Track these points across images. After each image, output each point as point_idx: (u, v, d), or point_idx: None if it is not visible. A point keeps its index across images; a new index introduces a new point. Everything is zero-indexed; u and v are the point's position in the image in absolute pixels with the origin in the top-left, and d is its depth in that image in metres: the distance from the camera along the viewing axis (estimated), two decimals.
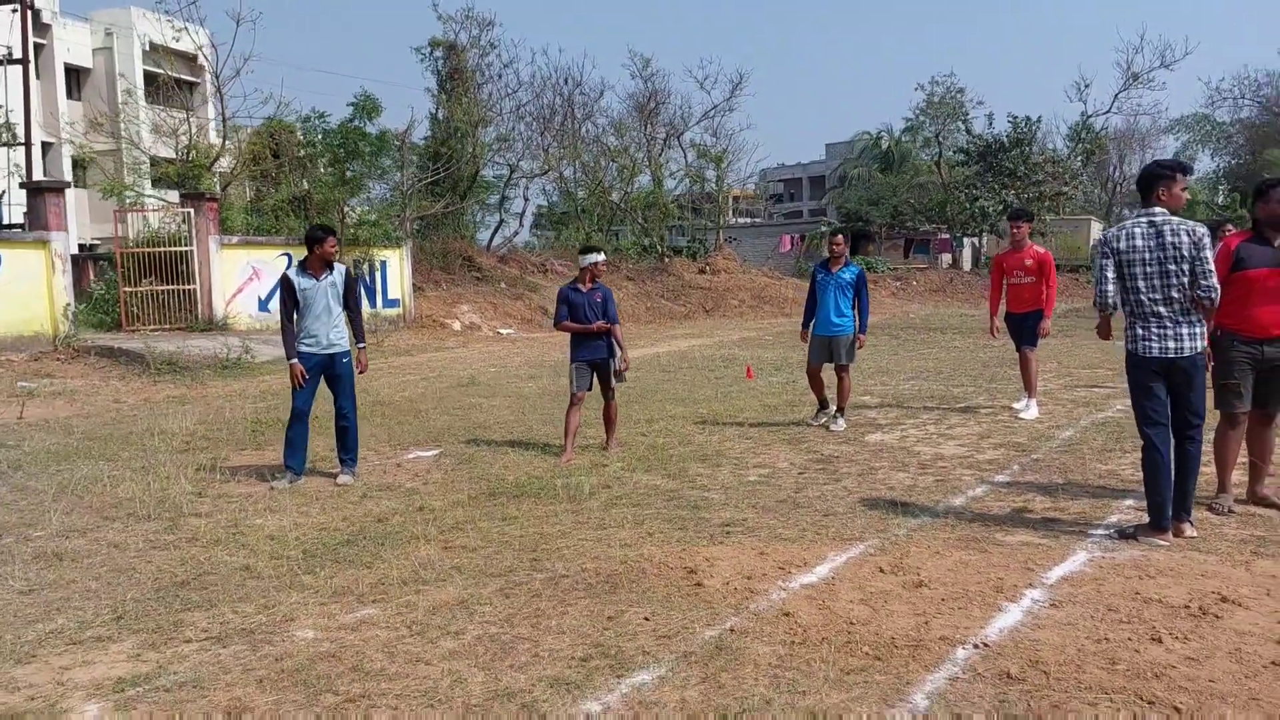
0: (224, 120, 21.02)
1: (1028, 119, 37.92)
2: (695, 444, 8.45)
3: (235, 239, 20.24)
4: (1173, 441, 5.37)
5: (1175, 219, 5.30)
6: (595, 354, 8.10)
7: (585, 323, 8.04)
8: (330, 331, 7.30)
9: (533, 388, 12.98)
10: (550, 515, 6.16)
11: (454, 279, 28.08)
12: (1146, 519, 5.34)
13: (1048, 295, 9.45)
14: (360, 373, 7.68)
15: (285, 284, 7.25)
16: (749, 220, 56.46)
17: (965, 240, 42.50)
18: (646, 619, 4.27)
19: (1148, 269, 5.33)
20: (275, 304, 20.74)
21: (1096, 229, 50.11)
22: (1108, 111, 41.71)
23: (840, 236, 9.47)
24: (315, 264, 7.25)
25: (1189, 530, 5.31)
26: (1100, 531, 5.46)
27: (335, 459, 7.80)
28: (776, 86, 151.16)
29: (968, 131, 39.67)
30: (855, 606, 4.35)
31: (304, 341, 7.27)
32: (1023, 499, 6.29)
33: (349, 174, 21.07)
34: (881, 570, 4.85)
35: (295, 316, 7.26)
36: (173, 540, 5.84)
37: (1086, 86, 43.89)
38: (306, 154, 23.06)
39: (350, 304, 7.40)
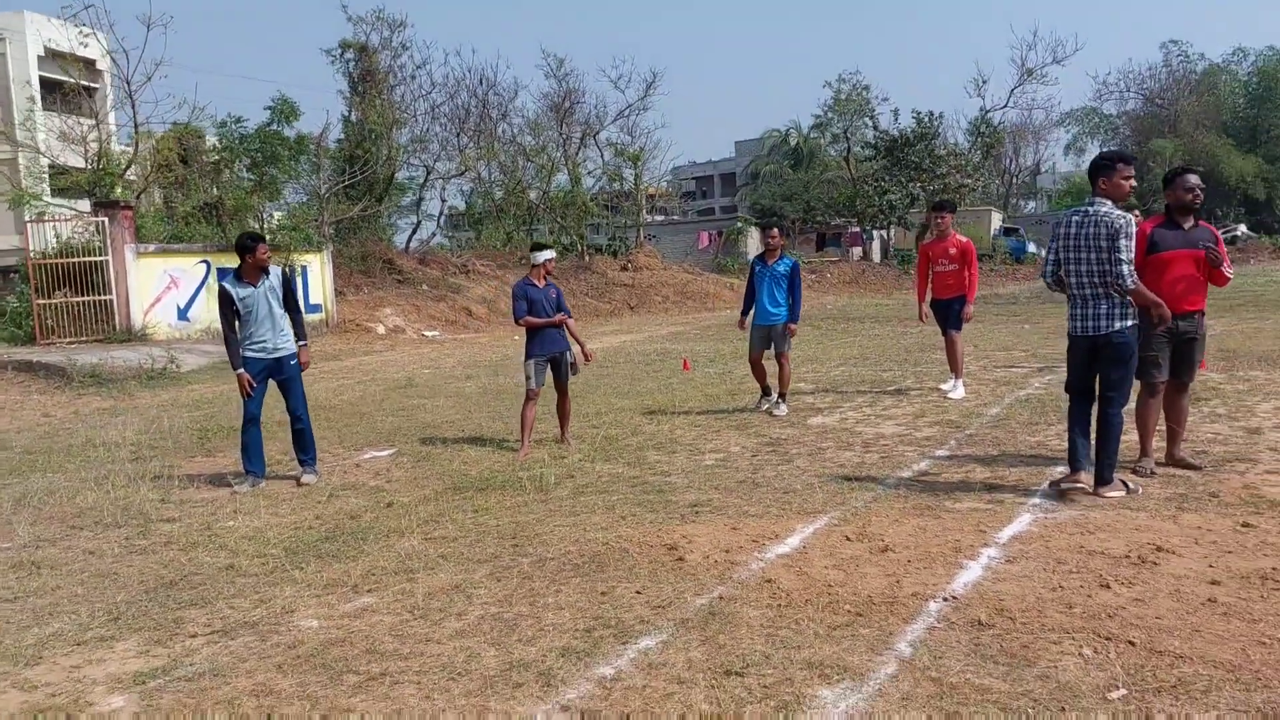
0: (135, 126, 20.50)
1: (931, 114, 39.23)
2: (647, 433, 8.72)
3: (152, 247, 19.80)
4: (1094, 408, 5.87)
5: (1104, 208, 5.75)
6: (553, 348, 8.30)
7: (544, 317, 8.22)
8: (276, 336, 7.37)
9: (472, 387, 13.10)
10: (521, 505, 6.36)
11: (375, 282, 27.86)
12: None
13: (970, 281, 9.97)
14: (303, 369, 7.71)
15: (223, 295, 7.31)
16: (664, 218, 57.04)
17: (874, 233, 43.68)
18: (638, 592, 4.53)
19: (1076, 254, 5.80)
20: (195, 313, 20.44)
21: (996, 219, 52.01)
22: (1004, 106, 43.29)
23: (776, 230, 9.87)
24: (250, 272, 7.31)
25: (1084, 479, 5.76)
26: (1039, 496, 5.90)
27: (291, 462, 7.89)
28: (685, 85, 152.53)
29: (874, 127, 40.79)
30: (830, 571, 4.68)
31: (250, 347, 7.32)
32: (964, 470, 6.71)
33: (267, 179, 20.76)
34: (848, 538, 5.19)
35: (238, 325, 7.30)
36: (148, 545, 5.88)
37: (984, 83, 45.56)
38: (221, 159, 22.64)
39: (290, 304, 7.48)
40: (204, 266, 20.77)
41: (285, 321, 7.50)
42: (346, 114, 33.21)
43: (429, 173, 35.48)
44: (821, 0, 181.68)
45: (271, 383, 7.54)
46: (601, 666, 3.73)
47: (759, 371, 9.68)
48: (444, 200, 38.26)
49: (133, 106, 19.83)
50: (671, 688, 3.51)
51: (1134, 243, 5.76)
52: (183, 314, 20.29)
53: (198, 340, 19.37)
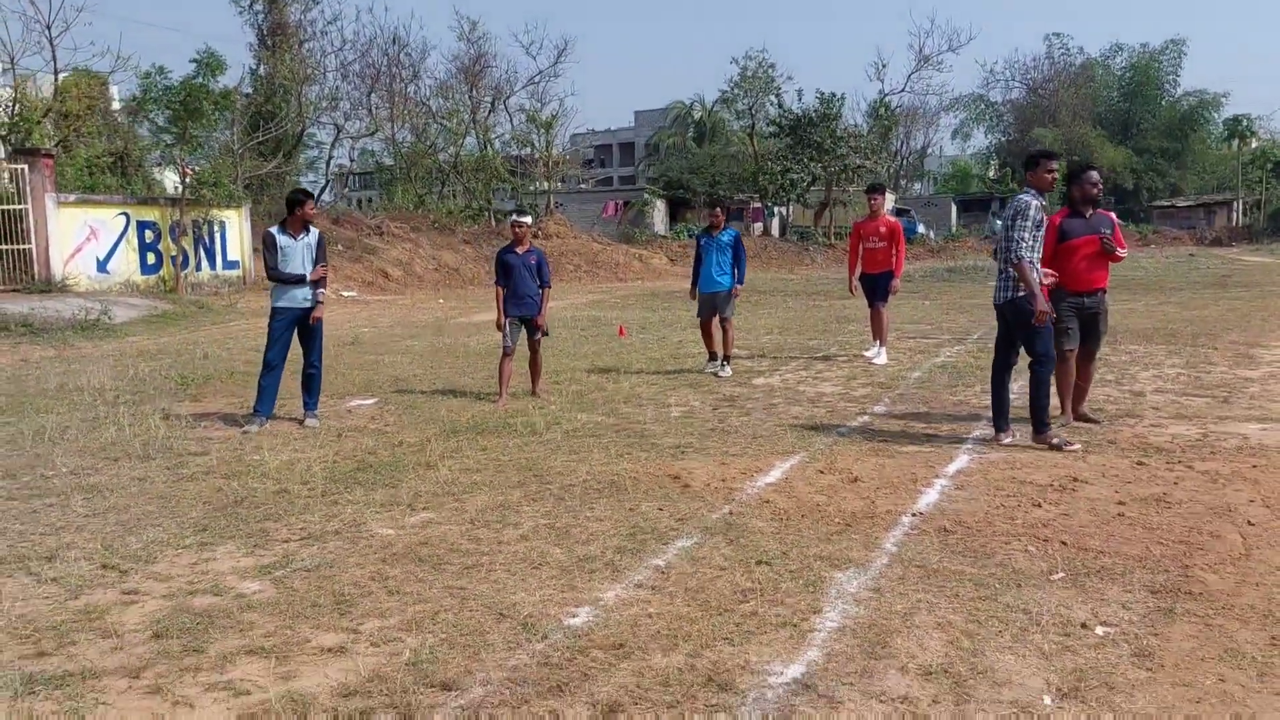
0: (55, 73, 20.10)
1: (834, 95, 40.75)
2: (609, 390, 9.57)
3: (72, 197, 19.58)
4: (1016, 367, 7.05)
5: (1020, 198, 6.81)
6: (526, 310, 9.04)
7: (523, 283, 8.93)
8: (305, 288, 7.97)
9: (420, 345, 13.71)
10: (521, 445, 7.16)
11: None
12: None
13: (897, 258, 11.10)
14: (312, 323, 8.28)
15: (267, 238, 7.95)
16: (564, 184, 57.44)
17: (775, 209, 45.18)
18: (660, 509, 5.43)
19: (1000, 234, 6.92)
20: (114, 265, 20.30)
21: (890, 199, 54.22)
22: (902, 90, 45.34)
23: (719, 209, 10.85)
24: (295, 225, 7.92)
25: (1003, 438, 6.88)
26: (971, 441, 7.01)
27: (286, 406, 8.46)
28: (586, 51, 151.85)
29: (779, 105, 42.12)
30: (815, 495, 5.66)
31: (281, 298, 7.93)
32: (902, 422, 7.80)
33: (189, 133, 20.64)
34: (821, 472, 6.19)
35: (277, 270, 7.90)
36: (190, 474, 6.48)
37: (884, 67, 47.45)
38: (133, 109, 22.33)
39: (320, 257, 8.09)
40: (124, 219, 20.63)
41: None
42: (254, 68, 32.79)
43: (339, 131, 35.30)
44: None
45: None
46: (653, 559, 4.61)
47: (707, 336, 10.62)
48: (352, 160, 38.10)
49: (52, 52, 19.44)
50: (716, 573, 4.42)
51: (1030, 224, 6.65)
52: (102, 266, 20.13)
53: (120, 294, 19.28)
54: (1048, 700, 3.27)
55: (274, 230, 8.03)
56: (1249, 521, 5.08)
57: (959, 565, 4.50)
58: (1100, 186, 7.52)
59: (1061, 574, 4.39)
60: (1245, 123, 66.38)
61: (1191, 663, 3.53)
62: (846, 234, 44.18)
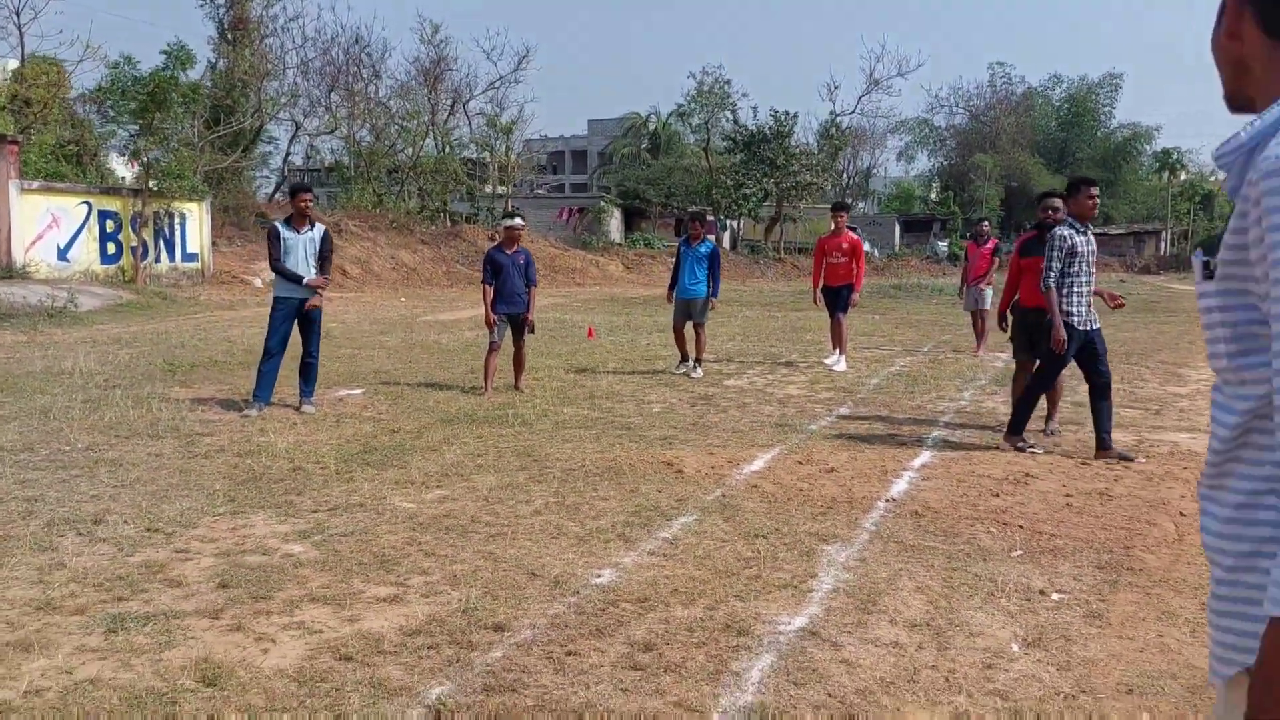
0: (22, 59, 20.00)
1: (787, 113, 41.67)
2: (589, 387, 10.05)
3: (36, 184, 19.54)
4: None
5: (1056, 230, 7.10)
6: (514, 308, 9.49)
7: (511, 282, 9.37)
8: (306, 277, 8.33)
9: (394, 341, 14.05)
10: (515, 435, 7.61)
11: (247, 235, 27.76)
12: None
13: (858, 272, 11.74)
14: (308, 309, 8.58)
15: (272, 231, 8.29)
16: (516, 186, 57.72)
17: (727, 222, 45.96)
18: (659, 491, 5.92)
19: None
20: (74, 253, 20.27)
21: None
22: (852, 112, 46.47)
23: (697, 222, 11.41)
24: (298, 219, 8.27)
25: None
26: (930, 440, 7.62)
27: (281, 394, 8.80)
28: (542, 58, 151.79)
29: (734, 121, 42.95)
30: (797, 482, 6.20)
31: (283, 288, 8.28)
32: (866, 423, 8.40)
33: (155, 124, 20.68)
34: (800, 463, 6.74)
35: (280, 261, 8.24)
36: (203, 452, 6.82)
37: (836, 88, 48.57)
38: (101, 97, 22.29)
39: (323, 254, 8.43)
40: (86, 208, 20.61)
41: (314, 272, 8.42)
42: (213, 62, 32.66)
43: (297, 128, 35.29)
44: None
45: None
46: (661, 532, 5.11)
47: (680, 339, 11.15)
48: (309, 157, 38.02)
49: (20, 39, 19.37)
50: (719, 544, 4.93)
51: (1057, 252, 6.96)
52: (63, 254, 20.09)
53: (79, 282, 19.24)
54: (1015, 648, 3.83)
55: (279, 224, 8.38)
56: (1181, 513, 5.73)
57: (931, 542, 5.06)
58: (1096, 199, 7.36)
59: (1020, 551, 4.97)
60: (1175, 156, 69.08)
61: (1134, 622, 4.12)
62: (796, 249, 45.32)
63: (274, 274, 8.51)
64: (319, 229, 8.47)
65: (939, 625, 4.00)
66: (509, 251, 9.51)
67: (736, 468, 6.56)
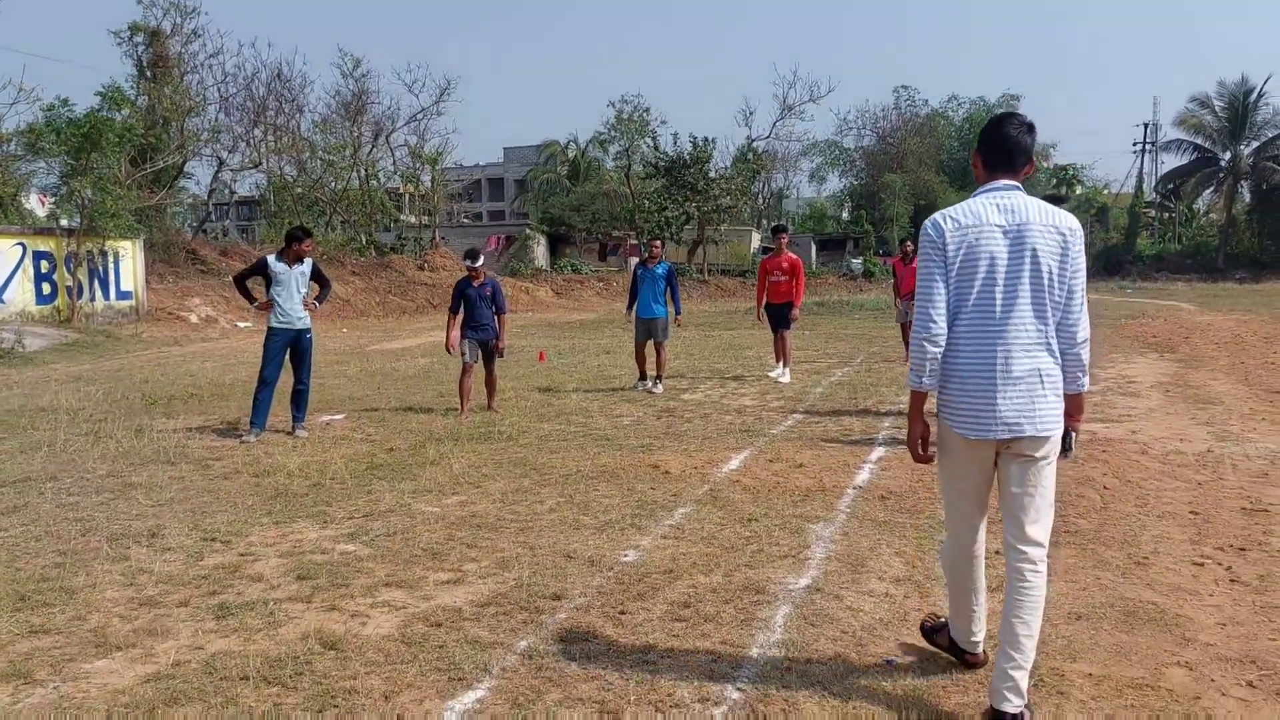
0: None
1: (706, 139, 42.94)
2: (558, 405, 10.71)
3: None
4: None
5: None
6: (484, 335, 10.09)
7: (479, 313, 9.96)
8: (297, 312, 8.86)
9: (353, 370, 14.50)
10: (505, 448, 8.24)
11: (179, 272, 27.81)
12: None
13: (797, 290, 12.64)
14: (310, 307, 9.09)
15: (260, 262, 8.86)
16: (434, 219, 58.02)
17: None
18: (652, 489, 6.64)
19: None
20: (10, 295, 20.18)
21: (755, 239, 56.98)
22: (767, 137, 48.05)
23: (658, 242, 12.19)
24: (290, 256, 8.80)
25: None
26: (881, 438, 8.48)
27: (274, 421, 9.27)
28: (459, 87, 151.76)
29: (655, 148, 44.06)
30: (772, 477, 6.98)
31: (278, 319, 8.79)
32: (821, 426, 9.23)
33: (90, 164, 20.71)
34: (770, 461, 7.53)
35: (269, 290, 8.76)
36: (220, 474, 7.31)
37: (751, 114, 50.05)
38: (27, 138, 22.22)
39: (320, 279, 9.01)
40: (20, 249, 20.54)
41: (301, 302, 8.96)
42: (133, 99, 32.48)
43: (221, 163, 35.22)
44: (597, 23, 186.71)
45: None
46: (666, 520, 5.83)
47: (640, 357, 11.89)
48: (233, 193, 37.93)
49: None
50: (717, 528, 5.67)
51: None
52: None
53: (16, 323, 19.14)
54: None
55: (270, 257, 8.90)
56: (1105, 487, 6.67)
57: (900, 519, 5.88)
58: None
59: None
60: (1071, 172, 72.62)
61: (1075, 571, 4.97)
62: (719, 270, 46.50)
63: (238, 288, 9.26)
64: (308, 262, 9.01)
65: (919, 580, 4.80)
66: (475, 284, 10.11)
67: (716, 467, 7.32)
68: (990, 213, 3.41)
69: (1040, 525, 3.47)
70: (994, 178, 3.50)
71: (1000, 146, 3.49)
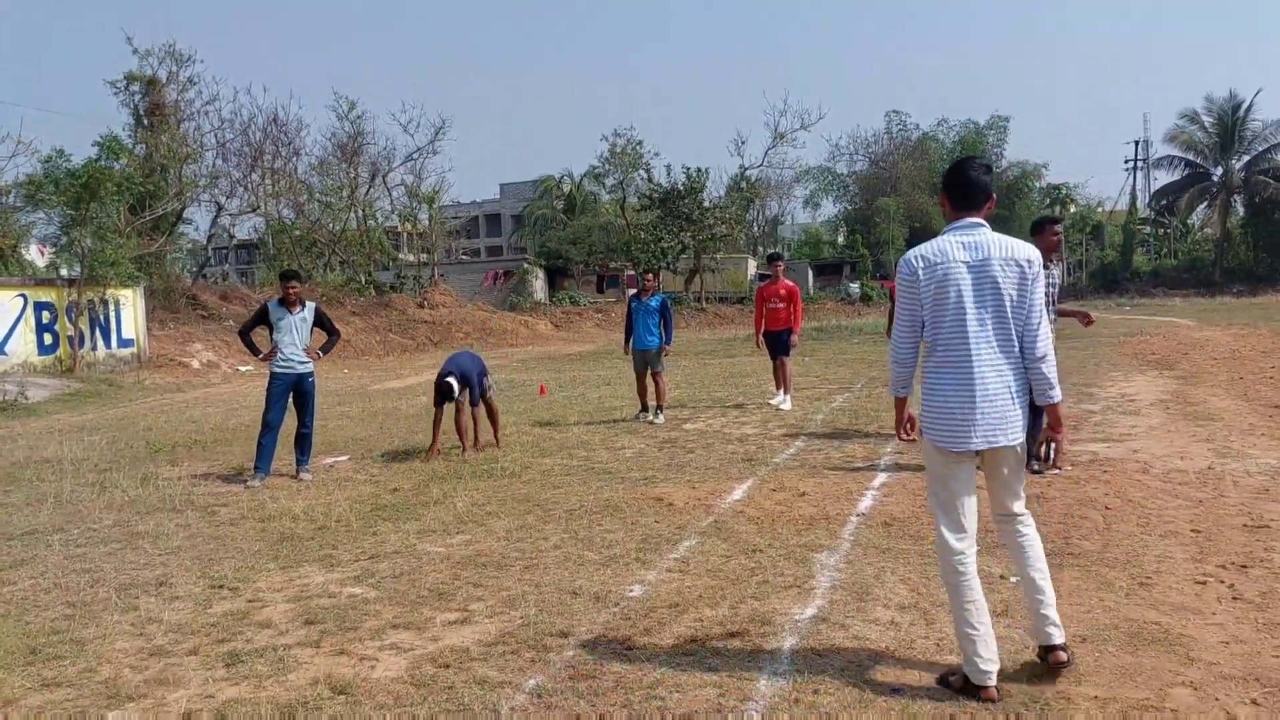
0: None
1: (699, 170, 43.29)
2: (559, 439, 10.75)
3: None
4: None
5: None
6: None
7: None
8: (298, 355, 8.92)
9: (355, 410, 14.54)
10: (508, 485, 8.27)
11: (179, 318, 27.92)
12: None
13: (795, 317, 12.71)
14: (313, 356, 9.15)
15: (261, 309, 8.95)
16: (433, 255, 58.35)
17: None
18: (657, 522, 6.67)
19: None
20: (11, 346, 20.26)
21: (751, 266, 57.18)
22: (760, 165, 48.41)
23: (650, 275, 12.29)
24: (289, 301, 8.88)
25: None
26: (882, 464, 8.52)
27: (279, 464, 9.32)
28: (455, 126, 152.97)
29: (649, 179, 44.38)
30: (776, 506, 7.01)
31: (278, 364, 8.87)
32: (823, 454, 9.27)
33: (89, 215, 20.88)
34: (774, 490, 7.56)
35: (270, 335, 8.85)
36: (226, 520, 7.34)
37: (743, 143, 50.45)
38: (27, 189, 22.44)
39: (327, 327, 9.10)
40: (21, 300, 20.64)
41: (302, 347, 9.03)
42: (131, 147, 32.78)
43: (219, 209, 35.47)
44: (591, 60, 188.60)
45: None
46: (670, 554, 5.85)
47: (641, 388, 11.95)
48: (232, 237, 38.16)
49: None
50: (722, 560, 5.70)
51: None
52: (0, 348, 20.02)
53: (19, 374, 19.23)
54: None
55: (271, 303, 8.99)
56: (1106, 507, 6.69)
57: (904, 545, 5.91)
58: (1059, 236, 8.04)
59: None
60: (1064, 191, 72.99)
61: (1079, 592, 5.00)
62: (716, 298, 46.68)
63: (242, 339, 9.35)
64: (310, 307, 9.08)
65: (924, 607, 4.82)
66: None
67: (720, 498, 7.35)
68: (956, 250, 3.86)
69: (1021, 496, 4.13)
70: (959, 216, 3.93)
71: (963, 188, 3.92)
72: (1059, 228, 8.02)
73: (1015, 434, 3.88)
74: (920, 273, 3.85)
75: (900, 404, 4.17)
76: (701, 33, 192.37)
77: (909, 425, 4.12)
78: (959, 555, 3.96)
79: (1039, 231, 8.02)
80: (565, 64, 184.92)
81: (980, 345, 3.81)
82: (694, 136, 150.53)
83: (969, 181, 3.91)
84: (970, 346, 3.81)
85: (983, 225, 3.91)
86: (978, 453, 3.93)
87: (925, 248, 3.90)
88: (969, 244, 3.84)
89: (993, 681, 3.80)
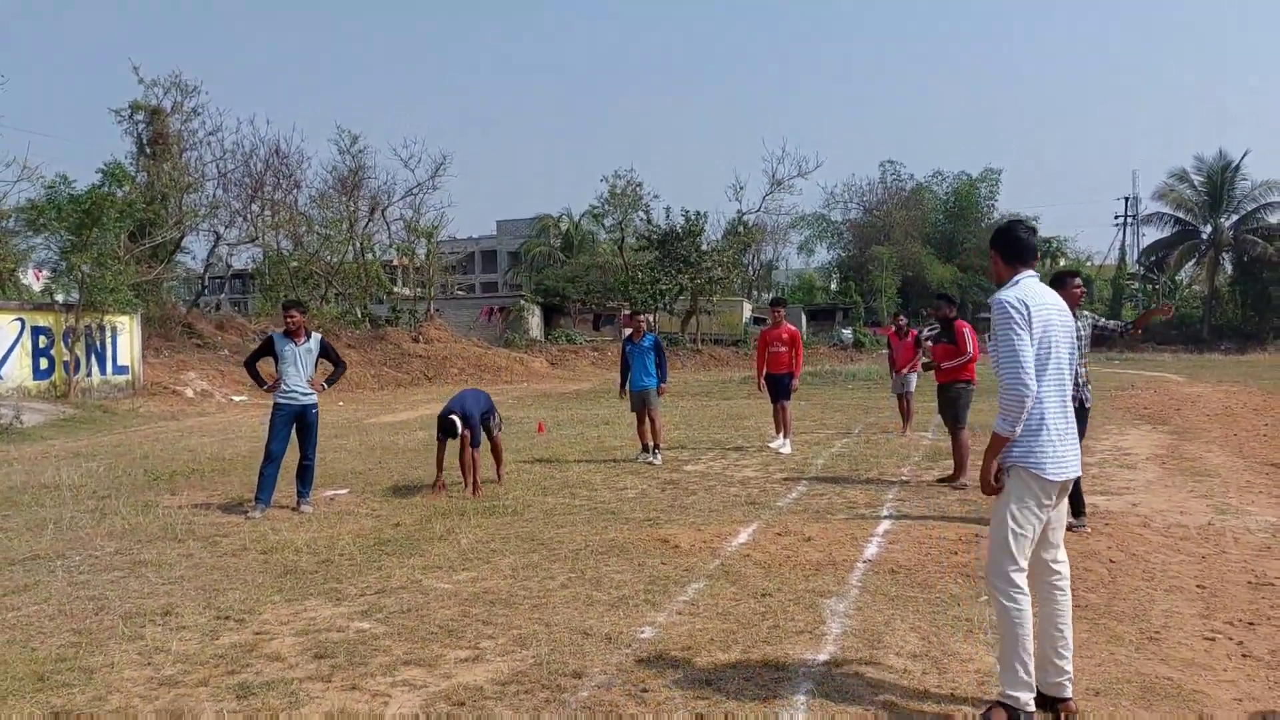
0: None
1: (698, 213, 43.60)
2: (560, 478, 10.74)
3: None
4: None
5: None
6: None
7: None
8: (302, 386, 8.93)
9: (352, 444, 14.51)
10: (511, 523, 8.25)
11: (174, 346, 27.87)
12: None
13: (796, 360, 12.78)
14: (316, 388, 9.17)
15: (266, 340, 8.97)
16: (428, 290, 58.47)
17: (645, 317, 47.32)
18: (663, 564, 6.66)
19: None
20: (7, 370, 20.19)
21: (747, 309, 57.43)
22: (757, 210, 48.81)
23: (642, 317, 12.38)
24: (294, 331, 8.91)
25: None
26: (885, 510, 8.53)
27: (279, 497, 9.28)
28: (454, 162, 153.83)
29: (648, 221, 44.67)
30: (782, 551, 7.01)
31: (282, 395, 8.87)
32: (826, 499, 9.28)
33: (91, 240, 20.90)
34: (779, 534, 7.56)
35: (276, 367, 8.86)
36: (228, 551, 7.31)
37: (741, 188, 50.92)
38: (28, 214, 22.48)
39: (332, 358, 9.12)
40: (19, 324, 20.61)
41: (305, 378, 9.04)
42: (133, 175, 32.91)
43: (218, 239, 35.56)
44: (595, 105, 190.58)
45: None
46: (679, 597, 5.85)
47: (642, 429, 11.97)
48: (229, 267, 38.22)
49: None
50: (733, 603, 5.69)
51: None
52: None
53: (13, 399, 19.13)
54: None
55: (276, 334, 9.02)
56: (1111, 560, 6.72)
57: (912, 593, 5.92)
58: (1082, 289, 8.13)
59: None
60: (1055, 244, 73.57)
61: (1089, 646, 5.01)
62: (712, 340, 46.81)
63: (248, 369, 9.44)
64: (315, 339, 9.11)
65: (935, 655, 4.82)
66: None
67: (725, 541, 7.35)
68: (1047, 293, 4.24)
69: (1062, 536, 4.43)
70: (1017, 270, 4.29)
71: (1017, 246, 4.31)
72: (1079, 280, 8.10)
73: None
74: (1033, 311, 4.09)
75: (1000, 445, 4.12)
76: (703, 85, 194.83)
77: (997, 474, 4.16)
78: (1024, 593, 4.12)
79: (1060, 285, 8.11)
80: (567, 104, 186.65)
81: (1067, 380, 4.19)
82: (693, 181, 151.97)
83: (1021, 241, 4.30)
84: (1066, 380, 4.18)
85: (1036, 276, 4.29)
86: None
87: (1022, 291, 4.15)
88: (1045, 291, 4.24)
89: (1071, 691, 4.18)
